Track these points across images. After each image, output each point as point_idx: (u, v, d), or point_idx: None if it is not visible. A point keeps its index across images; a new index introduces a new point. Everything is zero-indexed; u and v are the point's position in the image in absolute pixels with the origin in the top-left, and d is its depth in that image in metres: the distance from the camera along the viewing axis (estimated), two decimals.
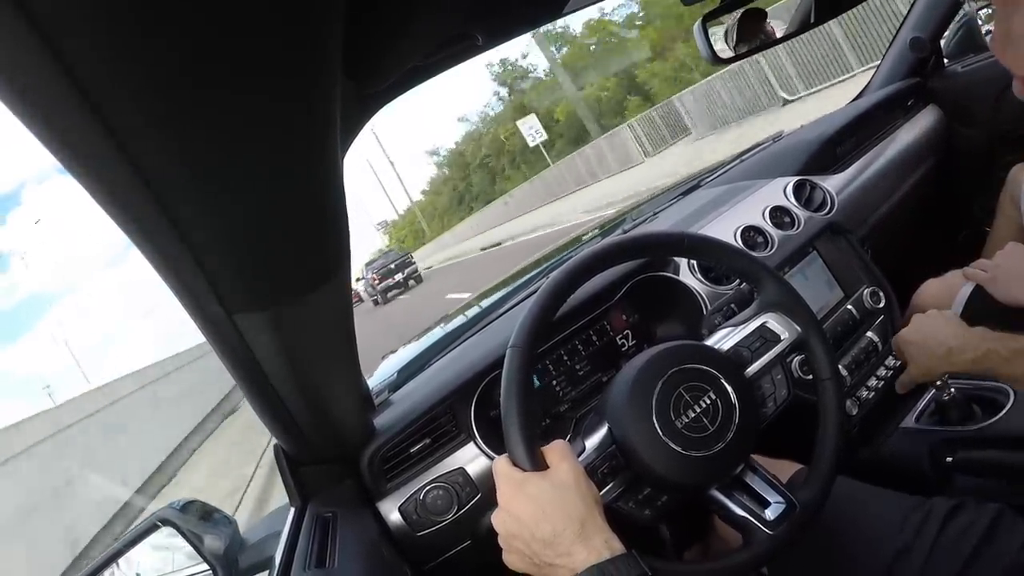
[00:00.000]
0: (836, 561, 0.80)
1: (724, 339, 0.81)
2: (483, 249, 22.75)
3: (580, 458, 0.70)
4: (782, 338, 0.80)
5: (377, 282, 22.37)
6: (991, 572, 0.69)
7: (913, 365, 0.97)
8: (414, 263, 23.95)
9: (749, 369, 0.78)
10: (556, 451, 0.66)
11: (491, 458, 0.96)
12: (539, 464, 0.65)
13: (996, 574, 0.68)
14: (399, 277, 22.37)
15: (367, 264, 24.93)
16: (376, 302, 22.66)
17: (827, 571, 0.81)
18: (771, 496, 0.72)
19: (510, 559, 0.65)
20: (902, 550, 0.75)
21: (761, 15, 1.19)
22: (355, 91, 0.49)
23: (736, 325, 0.82)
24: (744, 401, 0.73)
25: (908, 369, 0.98)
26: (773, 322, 0.81)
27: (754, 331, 0.80)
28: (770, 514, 0.71)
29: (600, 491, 0.70)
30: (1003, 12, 0.50)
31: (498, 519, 0.66)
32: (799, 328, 0.80)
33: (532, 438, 0.66)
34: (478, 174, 43.43)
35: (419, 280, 23.11)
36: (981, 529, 0.71)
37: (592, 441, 0.73)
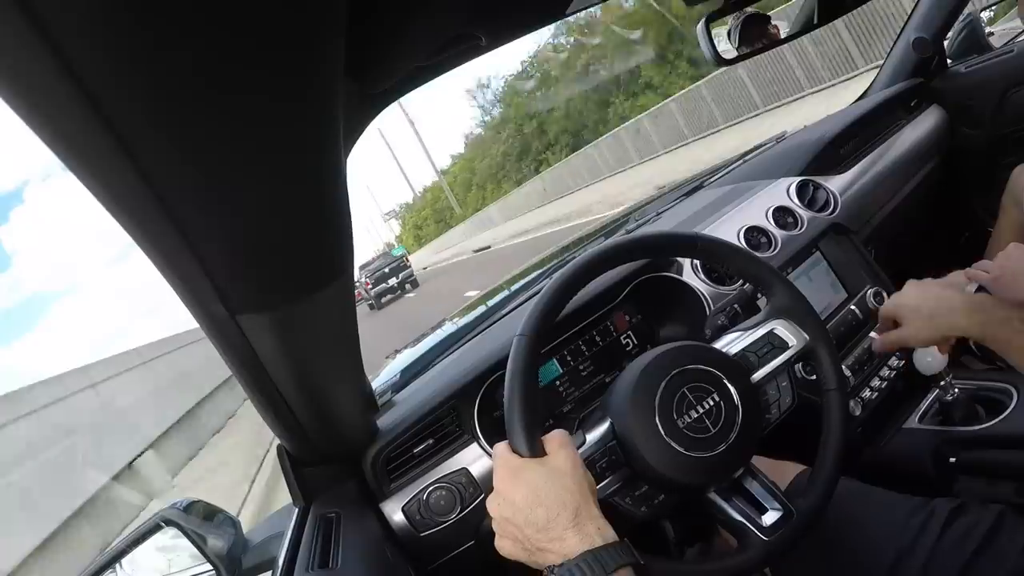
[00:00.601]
0: (838, 562, 0.80)
1: (732, 343, 0.81)
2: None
3: (580, 450, 0.71)
4: (790, 345, 0.80)
5: (370, 287, 21.99)
6: (993, 574, 0.68)
7: (907, 326, 0.90)
8: (409, 267, 22.99)
9: (755, 375, 0.78)
10: (555, 439, 0.66)
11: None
12: (537, 451, 0.65)
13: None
14: (393, 282, 21.69)
15: (360, 267, 24.17)
16: (371, 306, 22.35)
17: (829, 572, 0.81)
18: (769, 503, 0.72)
19: (502, 544, 0.66)
20: (904, 551, 0.74)
21: (764, 19, 1.19)
22: (358, 91, 0.49)
23: (744, 330, 0.82)
24: (748, 405, 0.73)
25: (899, 331, 0.91)
26: (781, 329, 0.80)
27: (762, 337, 0.80)
28: (767, 520, 0.71)
29: (597, 485, 0.70)
30: None
31: (493, 503, 0.66)
32: (807, 336, 0.80)
33: (532, 425, 0.67)
34: (576, 97, 24.74)
35: (415, 284, 22.13)
36: (983, 530, 0.71)
37: (593, 435, 0.73)
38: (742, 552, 0.70)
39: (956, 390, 0.98)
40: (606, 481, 0.72)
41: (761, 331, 0.81)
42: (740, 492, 0.73)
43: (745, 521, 0.71)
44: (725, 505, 0.72)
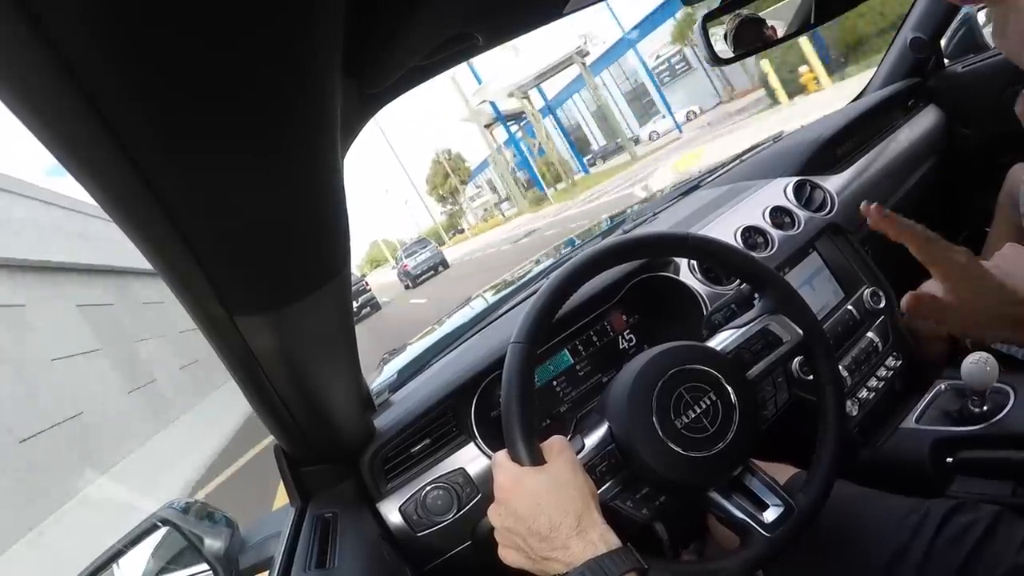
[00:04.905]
0: (832, 563, 0.80)
1: (726, 341, 0.81)
2: None
3: (579, 456, 0.70)
4: (784, 341, 0.80)
5: None
6: (990, 573, 0.68)
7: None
8: (368, 290, 19.85)
9: (750, 371, 0.78)
10: (555, 446, 0.67)
11: (491, 457, 0.96)
12: (537, 459, 0.65)
13: (995, 575, 0.68)
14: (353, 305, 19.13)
15: None
16: None
17: (823, 573, 0.81)
18: (769, 499, 0.73)
19: (506, 554, 0.66)
20: (899, 552, 0.74)
21: (758, 22, 1.19)
22: (356, 91, 0.49)
23: (738, 327, 0.82)
24: (745, 403, 0.73)
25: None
26: (775, 325, 0.81)
27: (756, 334, 0.80)
28: (768, 517, 0.71)
29: (598, 489, 0.70)
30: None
31: (495, 513, 0.66)
32: (801, 332, 0.80)
33: (531, 433, 0.67)
34: None
35: (376, 308, 19.39)
36: (979, 531, 0.71)
37: (591, 439, 0.73)
38: (745, 549, 0.70)
39: (975, 397, 0.97)
40: (607, 485, 0.72)
41: (755, 328, 0.81)
42: (740, 490, 0.73)
43: (747, 518, 0.71)
44: (726, 503, 0.72)
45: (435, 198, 53.25)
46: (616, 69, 31.23)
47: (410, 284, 22.53)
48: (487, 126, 32.44)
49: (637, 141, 28.84)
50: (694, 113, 23.70)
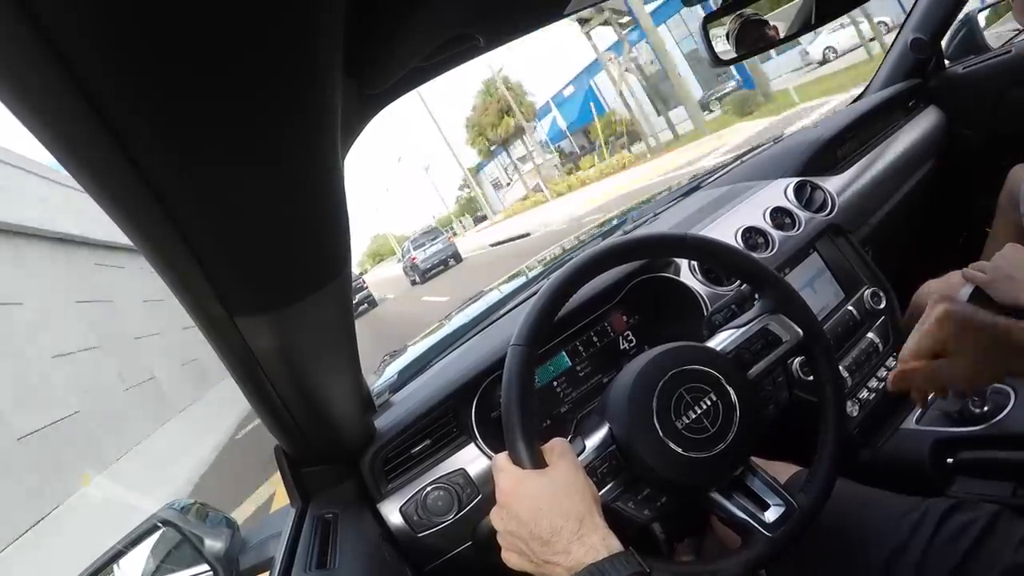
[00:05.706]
0: (832, 562, 0.80)
1: (726, 341, 0.81)
2: None
3: (580, 457, 0.70)
4: (783, 340, 0.80)
5: None
6: (987, 571, 0.68)
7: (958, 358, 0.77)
8: (365, 287, 20.01)
9: (751, 372, 0.78)
10: (556, 449, 0.67)
11: (492, 459, 0.96)
12: (538, 462, 0.65)
13: (993, 574, 0.68)
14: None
15: None
16: None
17: (822, 571, 0.81)
18: (771, 499, 0.73)
19: (508, 557, 0.65)
20: (897, 550, 0.74)
21: (761, 23, 1.19)
22: (356, 91, 0.49)
23: (738, 327, 0.82)
24: (745, 403, 0.73)
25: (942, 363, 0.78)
26: (775, 325, 0.81)
27: (756, 334, 0.81)
28: (770, 516, 0.71)
29: (599, 491, 0.70)
30: None
31: (496, 516, 0.66)
32: (800, 331, 0.80)
33: (532, 436, 0.67)
34: None
35: (373, 304, 19.47)
36: (977, 529, 0.71)
37: (592, 441, 0.73)
38: (747, 549, 0.70)
39: (976, 398, 0.96)
40: (608, 487, 0.72)
41: (755, 328, 0.81)
42: (741, 489, 0.73)
43: (748, 518, 0.71)
44: (727, 503, 0.72)
45: (479, 150, 35.28)
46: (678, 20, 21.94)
47: (417, 279, 20.68)
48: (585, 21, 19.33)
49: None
50: (832, 51, 22.21)
